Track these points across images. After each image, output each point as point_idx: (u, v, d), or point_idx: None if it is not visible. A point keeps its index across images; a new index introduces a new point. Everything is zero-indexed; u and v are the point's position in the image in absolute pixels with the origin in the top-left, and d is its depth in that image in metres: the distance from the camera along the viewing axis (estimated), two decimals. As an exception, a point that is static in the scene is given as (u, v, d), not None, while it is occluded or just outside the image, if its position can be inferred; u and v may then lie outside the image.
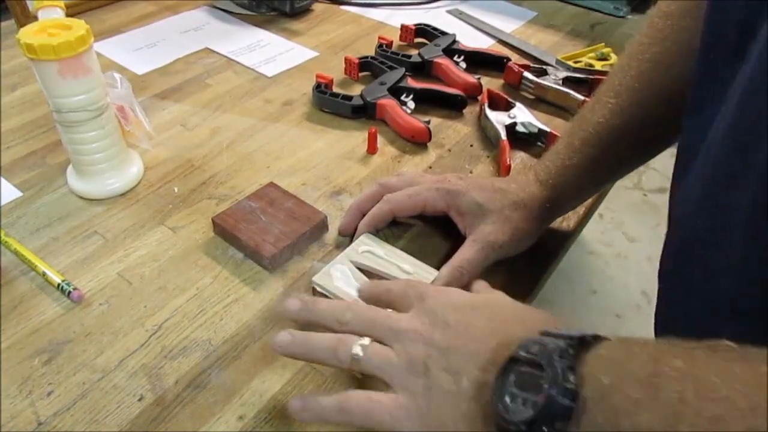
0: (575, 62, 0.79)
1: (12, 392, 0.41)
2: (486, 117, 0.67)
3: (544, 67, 0.76)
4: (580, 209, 0.58)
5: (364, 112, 0.70)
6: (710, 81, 0.37)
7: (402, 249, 0.50)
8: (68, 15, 0.58)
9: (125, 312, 0.47)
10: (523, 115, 0.67)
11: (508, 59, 0.78)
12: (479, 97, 0.72)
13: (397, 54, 0.79)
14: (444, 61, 0.77)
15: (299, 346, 0.38)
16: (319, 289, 0.47)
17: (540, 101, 0.74)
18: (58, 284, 0.48)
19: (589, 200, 0.59)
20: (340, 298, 0.45)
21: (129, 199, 0.58)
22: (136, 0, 0.97)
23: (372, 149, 0.65)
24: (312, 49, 0.85)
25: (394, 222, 0.54)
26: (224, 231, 0.53)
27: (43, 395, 0.41)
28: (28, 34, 0.49)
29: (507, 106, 0.69)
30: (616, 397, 0.27)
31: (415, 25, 0.86)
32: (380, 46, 0.81)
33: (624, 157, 0.52)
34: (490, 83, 0.76)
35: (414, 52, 0.80)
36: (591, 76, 0.74)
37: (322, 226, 0.54)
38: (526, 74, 0.74)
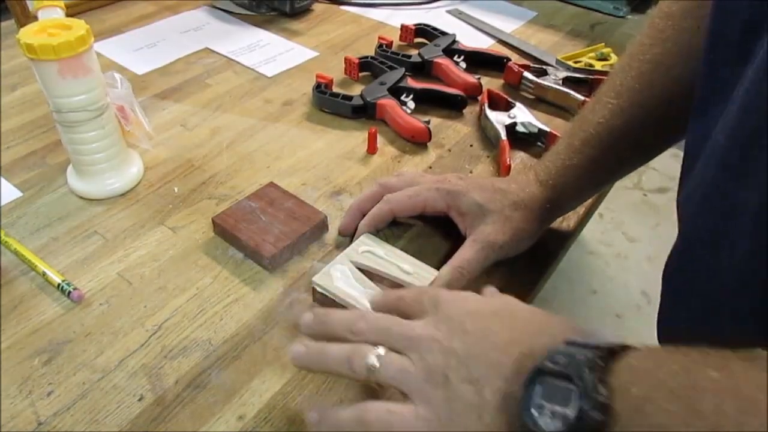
0: (575, 62, 0.80)
1: (12, 392, 0.41)
2: (486, 117, 0.67)
3: (544, 67, 0.76)
4: (580, 209, 0.58)
5: (364, 112, 0.70)
6: (715, 81, 0.37)
7: (402, 249, 0.50)
8: (68, 15, 0.58)
9: (125, 312, 0.47)
10: (523, 115, 0.67)
11: (508, 59, 0.78)
12: (479, 97, 0.72)
13: (397, 54, 0.79)
14: (444, 61, 0.77)
15: (314, 357, 0.37)
16: (319, 289, 0.47)
17: (540, 101, 0.74)
18: (58, 284, 0.48)
19: (589, 200, 0.59)
20: (341, 298, 0.45)
21: (129, 199, 0.58)
22: (136, 0, 0.97)
23: (372, 149, 0.65)
24: (312, 49, 0.85)
25: (394, 222, 0.54)
26: (224, 231, 0.53)
27: (43, 395, 0.41)
28: (28, 34, 0.49)
29: (507, 106, 0.69)
30: (649, 409, 0.26)
31: (415, 25, 0.86)
32: (380, 46, 0.81)
33: (624, 158, 0.52)
34: (490, 83, 0.76)
35: (414, 52, 0.80)
36: (591, 76, 0.74)
37: (322, 226, 0.54)
38: (526, 74, 0.74)
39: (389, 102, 0.68)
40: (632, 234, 1.71)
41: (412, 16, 0.95)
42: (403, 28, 0.86)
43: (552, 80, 0.73)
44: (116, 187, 0.58)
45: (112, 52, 0.83)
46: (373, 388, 0.40)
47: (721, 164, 0.35)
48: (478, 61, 0.79)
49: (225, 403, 0.41)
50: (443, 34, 0.83)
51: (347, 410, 0.35)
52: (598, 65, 0.78)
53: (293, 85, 0.77)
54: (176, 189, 0.59)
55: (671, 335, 0.44)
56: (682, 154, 0.41)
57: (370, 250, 0.50)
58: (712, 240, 0.36)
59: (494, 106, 0.69)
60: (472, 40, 0.86)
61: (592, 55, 0.81)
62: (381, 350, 0.35)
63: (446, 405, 0.32)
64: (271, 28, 0.90)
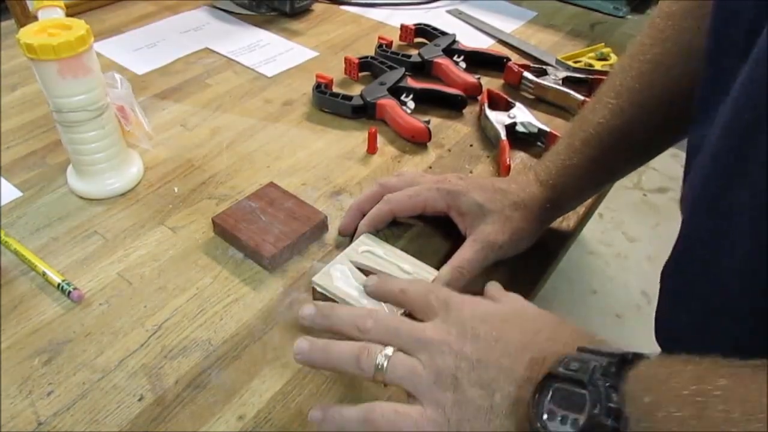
0: (575, 62, 0.80)
1: (12, 392, 0.41)
2: (486, 117, 0.67)
3: (544, 67, 0.76)
4: (580, 209, 0.58)
5: (364, 112, 0.70)
6: (717, 82, 0.37)
7: (402, 249, 0.50)
8: (68, 15, 0.58)
9: (125, 312, 0.47)
10: (522, 115, 0.67)
11: (508, 59, 0.78)
12: (479, 97, 0.72)
13: (397, 54, 0.79)
14: (444, 61, 0.77)
15: (319, 354, 0.37)
16: (319, 289, 0.47)
17: (540, 101, 0.74)
18: (58, 284, 0.48)
19: (589, 200, 0.59)
20: (341, 298, 0.45)
21: (129, 199, 0.58)
22: (136, 0, 0.97)
23: (372, 149, 0.65)
24: (312, 49, 0.85)
25: (394, 222, 0.54)
26: (224, 231, 0.53)
27: (43, 395, 0.41)
28: (28, 34, 0.49)
29: (507, 106, 0.69)
30: (659, 415, 0.26)
31: (415, 25, 0.86)
32: (380, 46, 0.81)
33: (624, 158, 0.52)
34: (490, 83, 0.76)
35: (414, 52, 0.80)
36: (591, 76, 0.74)
37: (322, 226, 0.54)
38: (526, 74, 0.74)
39: (389, 102, 0.68)
40: (632, 234, 1.71)
41: (412, 16, 0.95)
42: (403, 28, 0.86)
43: (552, 80, 0.73)
44: (116, 187, 0.58)
45: (112, 52, 0.83)
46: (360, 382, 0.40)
47: (715, 162, 0.35)
48: (478, 61, 0.79)
49: (225, 403, 0.41)
50: (443, 34, 0.83)
51: (352, 409, 0.35)
52: (598, 65, 0.78)
53: (293, 85, 0.77)
54: (176, 189, 0.59)
55: (670, 335, 0.44)
56: (682, 154, 0.41)
57: (369, 250, 0.50)
58: (712, 240, 0.35)
59: (494, 106, 0.69)
60: (472, 40, 0.86)
61: (592, 55, 0.81)
62: (389, 350, 0.35)
63: (456, 408, 0.32)
64: (271, 28, 0.90)
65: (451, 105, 0.72)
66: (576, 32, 0.91)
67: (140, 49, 0.84)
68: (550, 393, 0.29)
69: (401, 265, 0.48)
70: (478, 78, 0.74)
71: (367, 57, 0.77)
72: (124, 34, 0.88)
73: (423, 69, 0.78)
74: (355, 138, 0.67)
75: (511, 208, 0.49)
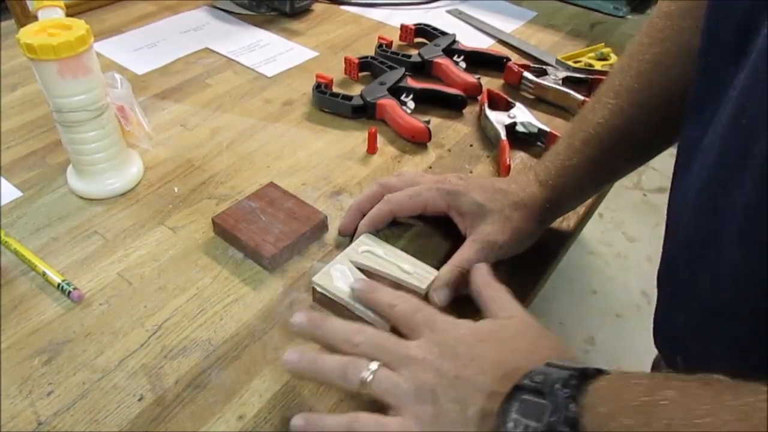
0: (575, 62, 0.80)
1: (12, 392, 0.41)
2: (486, 117, 0.67)
3: (544, 67, 0.77)
4: (580, 209, 0.58)
5: (364, 112, 0.70)
6: (710, 82, 0.37)
7: (402, 249, 0.50)
8: (68, 15, 0.58)
9: (125, 312, 0.47)
10: (522, 115, 0.67)
11: (508, 59, 0.78)
12: (479, 97, 0.72)
13: (397, 54, 0.79)
14: (444, 61, 0.77)
15: (307, 365, 0.39)
16: (319, 289, 0.47)
17: (540, 101, 0.74)
18: (58, 284, 0.48)
19: (589, 200, 0.59)
20: (341, 298, 0.45)
21: (129, 199, 0.58)
22: (136, 0, 0.97)
23: (372, 149, 0.65)
24: (312, 49, 0.85)
25: (394, 222, 0.54)
26: (224, 231, 0.53)
27: (43, 395, 0.41)
28: (28, 34, 0.49)
29: (507, 106, 0.69)
30: (612, 425, 0.28)
31: (415, 25, 0.86)
32: (380, 46, 0.81)
33: (624, 158, 0.52)
34: (490, 83, 0.76)
35: (414, 52, 0.80)
36: (591, 76, 0.74)
37: (322, 226, 0.54)
38: (526, 74, 0.74)
39: (389, 102, 0.68)
40: (632, 234, 1.71)
41: (412, 16, 0.95)
42: (403, 28, 0.86)
43: (552, 80, 0.73)
44: (116, 187, 0.58)
45: (112, 52, 0.83)
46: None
47: (716, 165, 0.35)
48: (478, 61, 0.79)
49: (225, 403, 0.41)
50: (443, 34, 0.83)
51: (336, 418, 0.37)
52: (598, 65, 0.78)
53: (293, 85, 0.77)
54: (176, 189, 0.59)
55: (668, 336, 0.44)
56: (679, 153, 0.41)
57: (369, 249, 0.50)
58: (710, 240, 0.36)
59: (494, 106, 0.69)
60: (472, 40, 0.86)
61: (591, 55, 0.81)
62: (374, 365, 0.37)
63: (433, 421, 0.35)
64: (271, 28, 0.90)
65: (451, 105, 0.72)
66: (576, 32, 0.91)
67: (140, 49, 0.84)
68: (516, 404, 0.32)
69: (401, 265, 0.48)
70: (478, 78, 0.74)
71: (367, 57, 0.77)
72: (124, 34, 0.88)
73: (423, 69, 0.78)
74: (355, 138, 0.67)
75: (511, 208, 0.49)
